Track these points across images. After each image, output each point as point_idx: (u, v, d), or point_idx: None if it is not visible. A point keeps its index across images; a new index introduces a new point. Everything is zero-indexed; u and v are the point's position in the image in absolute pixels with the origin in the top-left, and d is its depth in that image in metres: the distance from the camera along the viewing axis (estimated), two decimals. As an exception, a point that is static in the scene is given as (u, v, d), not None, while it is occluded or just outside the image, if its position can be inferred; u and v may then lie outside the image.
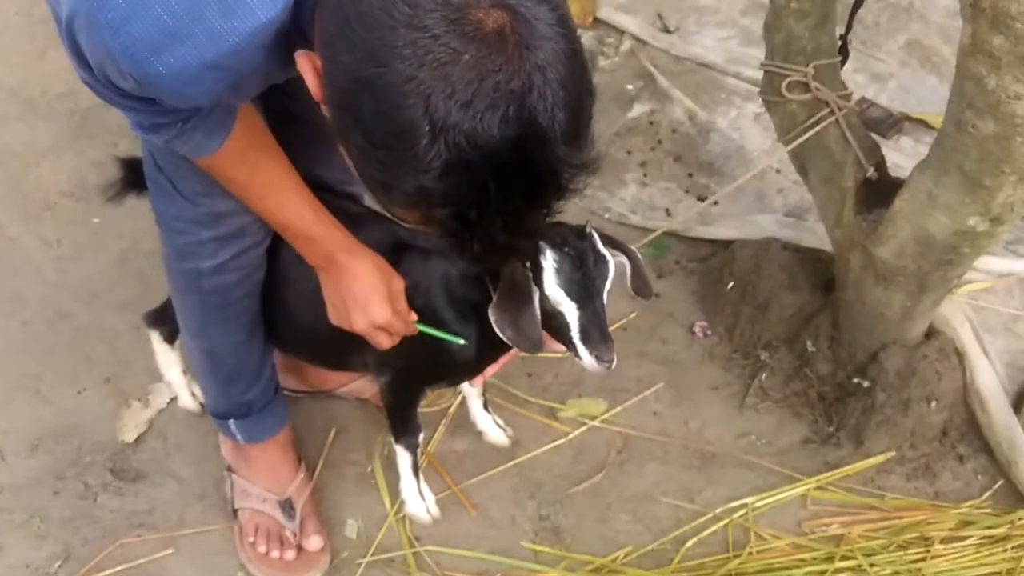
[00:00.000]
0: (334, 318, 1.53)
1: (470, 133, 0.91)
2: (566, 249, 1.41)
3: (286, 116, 1.49)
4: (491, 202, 0.95)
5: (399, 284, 1.51)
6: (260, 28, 1.04)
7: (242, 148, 1.35)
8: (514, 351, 1.63)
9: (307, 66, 1.03)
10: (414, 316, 1.53)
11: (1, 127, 2.58)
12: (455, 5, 0.90)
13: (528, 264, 1.42)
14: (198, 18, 1.02)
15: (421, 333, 1.53)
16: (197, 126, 1.28)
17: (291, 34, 1.06)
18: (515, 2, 0.92)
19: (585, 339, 1.42)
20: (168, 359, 1.97)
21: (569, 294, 1.41)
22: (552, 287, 1.41)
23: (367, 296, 1.47)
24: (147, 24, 1.02)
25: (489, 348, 1.56)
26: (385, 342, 1.51)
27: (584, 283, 1.41)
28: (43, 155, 2.52)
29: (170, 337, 1.93)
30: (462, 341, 1.54)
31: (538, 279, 1.41)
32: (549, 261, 1.40)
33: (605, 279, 1.43)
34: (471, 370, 1.63)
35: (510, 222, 0.98)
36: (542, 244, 1.41)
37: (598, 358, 1.42)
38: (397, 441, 1.78)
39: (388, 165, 0.95)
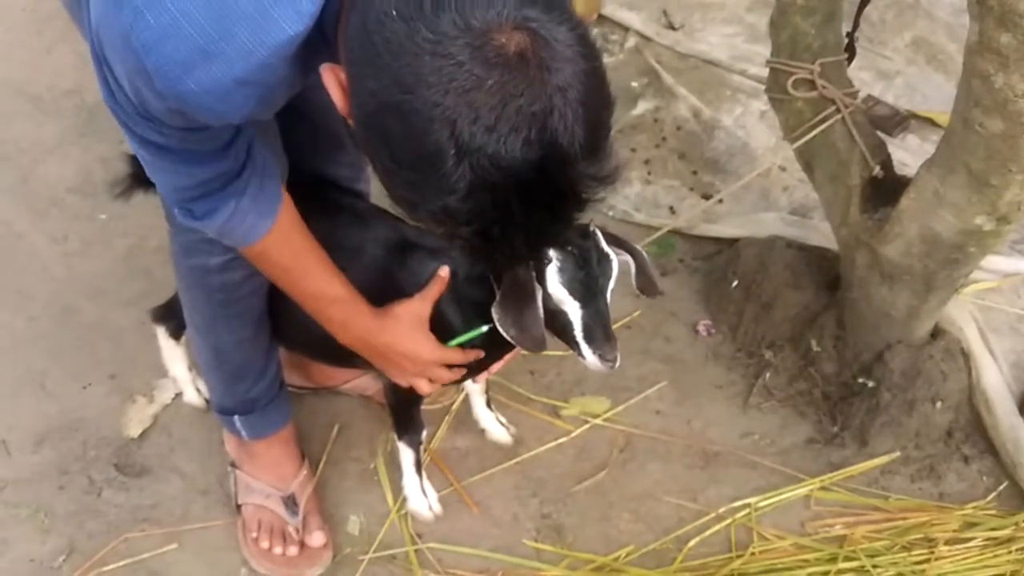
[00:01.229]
0: (400, 380, 1.59)
1: (494, 156, 0.93)
2: (569, 248, 1.40)
3: (295, 115, 1.49)
4: (514, 219, 0.98)
5: (422, 308, 1.53)
6: (288, 42, 1.05)
7: (286, 230, 1.40)
8: (516, 349, 1.63)
9: (333, 80, 1.05)
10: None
11: (8, 123, 2.59)
12: (477, 31, 0.92)
13: (532, 263, 1.41)
14: (228, 35, 1.03)
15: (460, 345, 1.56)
16: (249, 208, 1.32)
17: (314, 41, 1.07)
18: (536, 24, 0.93)
19: (589, 338, 1.42)
20: (174, 355, 1.97)
21: (572, 293, 1.41)
22: (555, 286, 1.41)
23: (418, 348, 1.52)
24: (179, 43, 1.03)
25: (494, 347, 1.56)
26: (446, 376, 1.56)
27: (587, 282, 1.40)
28: (50, 151, 2.53)
29: (176, 333, 1.94)
30: (485, 327, 1.54)
31: (541, 278, 1.41)
32: (552, 260, 1.40)
33: (609, 278, 1.43)
34: (475, 368, 1.63)
35: (532, 235, 1.02)
36: (545, 243, 1.41)
37: (602, 357, 1.42)
38: (400, 438, 1.78)
39: (415, 185, 0.98)
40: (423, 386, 1.57)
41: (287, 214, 1.39)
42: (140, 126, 1.19)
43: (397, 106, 0.94)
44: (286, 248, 1.42)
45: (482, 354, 1.57)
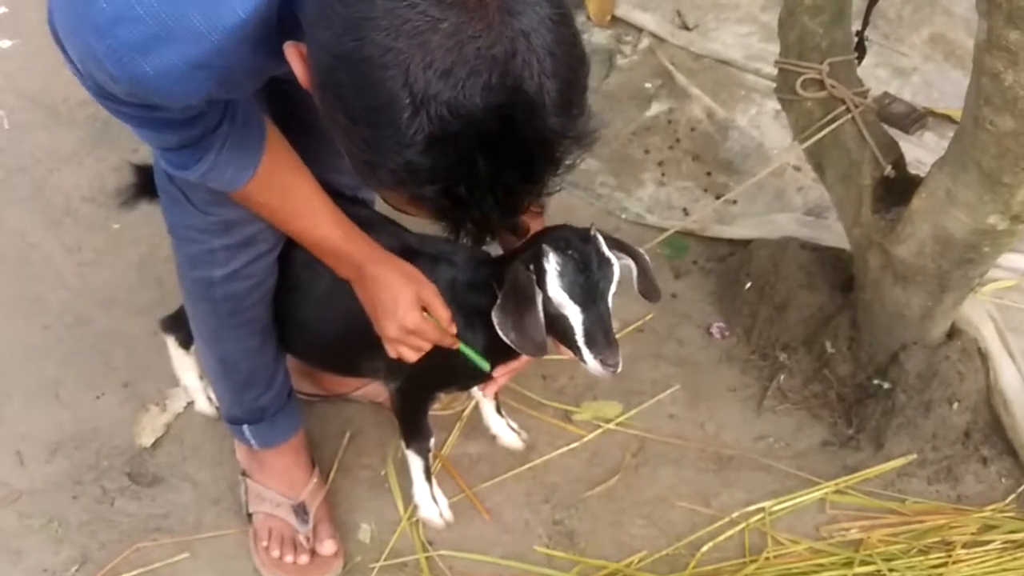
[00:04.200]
0: (387, 345, 1.53)
1: (452, 103, 0.88)
2: (570, 252, 1.40)
3: (294, 122, 1.49)
4: (480, 176, 0.92)
5: (429, 290, 1.49)
6: (241, 24, 1.04)
7: (272, 173, 1.37)
8: (526, 358, 1.62)
9: (294, 54, 1.01)
10: (453, 328, 1.51)
11: (24, 134, 2.61)
12: None
13: (532, 267, 1.41)
14: (181, 18, 1.02)
15: (460, 352, 1.53)
16: (229, 160, 1.30)
17: (286, 24, 1.05)
18: None
19: (590, 343, 1.41)
20: (184, 364, 1.98)
21: (572, 297, 1.40)
22: (555, 290, 1.40)
23: (396, 302, 1.46)
24: (132, 27, 1.02)
25: (497, 353, 1.55)
26: (412, 355, 1.50)
27: (588, 286, 1.39)
28: (65, 161, 2.55)
29: (186, 342, 1.94)
30: (488, 367, 1.54)
31: (541, 282, 1.40)
32: (552, 264, 1.39)
33: (610, 282, 1.42)
34: (480, 375, 1.62)
35: (502, 198, 0.95)
36: (545, 247, 1.41)
37: (603, 362, 1.41)
38: (408, 446, 1.78)
39: (371, 142, 0.93)
40: (407, 353, 1.50)
41: (273, 158, 1.36)
42: (106, 103, 1.18)
43: (348, 55, 0.90)
44: (272, 192, 1.39)
45: (455, 344, 1.52)
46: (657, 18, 2.90)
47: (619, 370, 1.40)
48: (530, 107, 0.90)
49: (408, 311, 1.46)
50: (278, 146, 1.39)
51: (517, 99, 0.89)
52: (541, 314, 1.40)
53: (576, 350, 1.42)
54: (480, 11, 0.87)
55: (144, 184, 1.71)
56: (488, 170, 0.92)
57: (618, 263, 1.42)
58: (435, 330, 1.49)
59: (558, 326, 1.41)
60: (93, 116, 2.61)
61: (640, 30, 2.88)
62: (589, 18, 2.91)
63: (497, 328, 1.40)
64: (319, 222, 1.46)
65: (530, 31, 0.89)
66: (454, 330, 1.51)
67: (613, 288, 1.42)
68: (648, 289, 1.51)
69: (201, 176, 1.33)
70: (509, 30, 0.88)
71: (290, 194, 1.42)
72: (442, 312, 1.49)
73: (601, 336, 1.40)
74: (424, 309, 1.48)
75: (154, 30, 1.03)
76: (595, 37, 2.87)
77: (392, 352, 1.51)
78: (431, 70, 0.87)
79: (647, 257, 1.50)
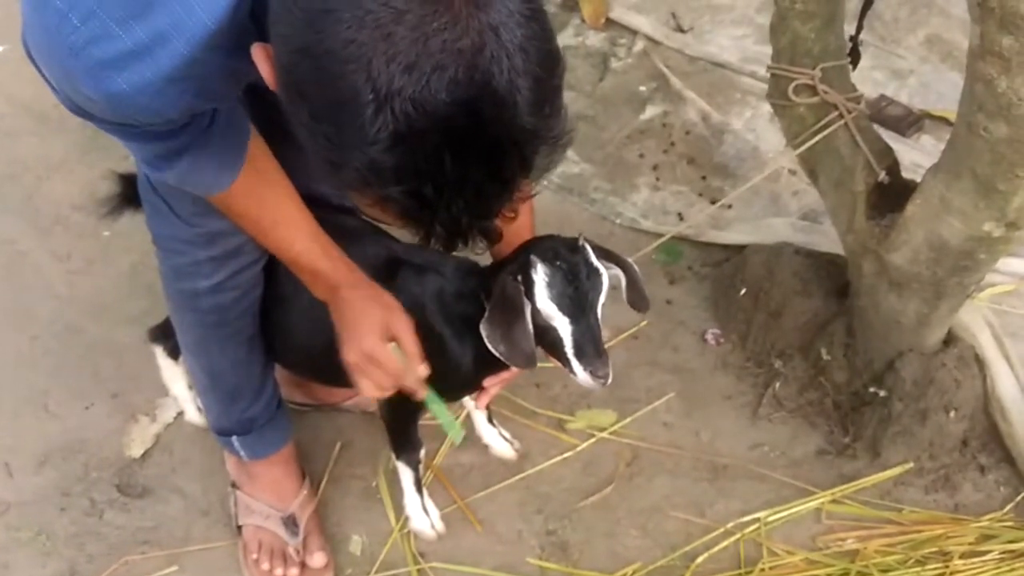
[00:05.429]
0: (350, 369, 1.47)
1: (417, 99, 0.84)
2: (558, 263, 1.38)
3: (280, 132, 1.47)
4: (448, 176, 0.88)
5: (403, 323, 1.43)
6: (211, 33, 1.01)
7: (253, 183, 1.34)
8: (517, 370, 1.60)
9: (261, 55, 0.98)
10: (423, 370, 1.44)
11: (14, 141, 2.59)
12: None
13: (520, 278, 1.39)
14: (152, 34, 1.00)
15: (427, 403, 1.48)
16: (209, 162, 1.27)
17: (261, 26, 1.01)
18: None
19: (579, 354, 1.39)
20: (173, 374, 1.96)
21: (561, 308, 1.38)
22: (544, 301, 1.38)
23: (360, 325, 1.41)
24: (106, 45, 1.01)
25: (485, 364, 1.53)
26: (369, 388, 1.44)
27: (577, 297, 1.38)
28: (55, 168, 2.53)
29: (174, 352, 1.92)
30: (458, 440, 1.49)
31: (530, 293, 1.38)
32: (540, 275, 1.37)
33: (599, 293, 1.40)
34: (469, 386, 1.60)
35: (471, 200, 0.91)
36: (533, 257, 1.39)
37: (592, 374, 1.39)
38: (398, 457, 1.76)
39: (335, 140, 0.89)
40: (366, 386, 1.43)
41: (254, 166, 1.33)
42: (86, 119, 1.17)
43: (309, 49, 0.87)
44: (251, 200, 1.36)
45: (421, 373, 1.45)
46: (652, 20, 2.87)
47: (609, 382, 1.38)
48: (499, 103, 0.87)
49: (370, 335, 1.40)
50: (260, 154, 1.37)
51: (485, 94, 0.86)
52: (530, 326, 1.38)
53: (565, 362, 1.40)
54: (446, 3, 0.85)
55: (128, 194, 1.69)
56: (455, 169, 0.88)
57: (607, 273, 1.40)
58: (398, 365, 1.42)
59: (547, 337, 1.40)
60: (84, 123, 2.54)
61: (635, 33, 2.85)
62: (583, 20, 2.89)
63: (486, 340, 1.38)
64: (297, 237, 1.42)
65: (499, 25, 0.86)
66: (423, 372, 1.44)
67: (602, 299, 1.40)
68: (637, 300, 1.49)
69: (179, 177, 1.29)
70: (476, 23, 0.85)
71: (269, 205, 1.39)
72: (411, 347, 1.42)
73: (591, 348, 1.38)
74: (394, 341, 1.42)
75: (128, 47, 1.01)
76: (589, 40, 2.85)
77: (353, 381, 1.45)
78: (394, 63, 0.83)
79: (636, 267, 1.49)
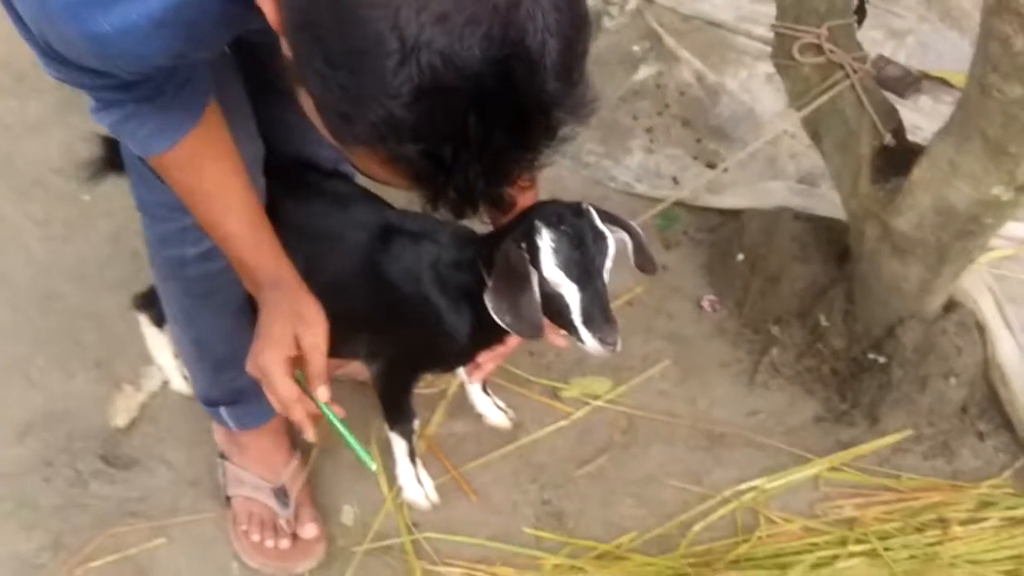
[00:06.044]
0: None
1: (447, 53, 0.78)
2: (563, 228, 1.33)
3: (273, 92, 1.40)
4: (470, 138, 0.82)
5: (316, 339, 1.30)
6: None
7: (192, 153, 1.24)
8: (514, 343, 1.56)
9: None
10: (324, 395, 1.32)
11: (-11, 101, 2.51)
12: None
13: (524, 245, 1.34)
14: None
15: (335, 430, 1.35)
16: (148, 118, 1.19)
17: None
18: None
19: (587, 321, 1.35)
20: (158, 342, 1.91)
21: (569, 275, 1.33)
22: (551, 268, 1.33)
23: (267, 335, 1.31)
24: None
25: (482, 335, 1.49)
26: (272, 401, 1.33)
27: (583, 262, 1.33)
28: (33, 129, 2.45)
29: (159, 320, 1.87)
30: (373, 467, 1.38)
31: (535, 260, 1.34)
32: (546, 241, 1.32)
33: (605, 257, 1.36)
34: (464, 357, 1.56)
35: (490, 165, 0.85)
36: (537, 223, 1.34)
37: (602, 340, 1.35)
38: (391, 428, 1.72)
39: (351, 90, 0.82)
40: (271, 394, 1.33)
41: (202, 139, 1.24)
42: (54, 68, 1.09)
43: None
44: (189, 172, 1.27)
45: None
46: (645, -22, 2.81)
47: (619, 348, 1.34)
48: (531, 65, 0.81)
49: (271, 350, 1.30)
50: (214, 125, 1.26)
51: (518, 53, 0.80)
52: (537, 295, 1.33)
53: (573, 330, 1.35)
54: None
55: (110, 157, 1.63)
56: (479, 132, 0.82)
57: (612, 237, 1.36)
58: (285, 393, 1.30)
59: (554, 306, 1.35)
60: (62, 83, 2.51)
61: (627, -9, 2.79)
62: (575, -22, 2.82)
63: (492, 311, 1.33)
64: (228, 219, 1.31)
65: None
66: (323, 396, 1.31)
67: (609, 263, 1.35)
68: (644, 262, 1.44)
69: (112, 125, 1.20)
70: None
71: (207, 180, 1.28)
72: (316, 370, 1.31)
73: (599, 314, 1.33)
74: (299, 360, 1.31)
75: None
76: (581, -2, 2.79)
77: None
78: (425, 12, 0.77)
79: (640, 231, 1.44)
